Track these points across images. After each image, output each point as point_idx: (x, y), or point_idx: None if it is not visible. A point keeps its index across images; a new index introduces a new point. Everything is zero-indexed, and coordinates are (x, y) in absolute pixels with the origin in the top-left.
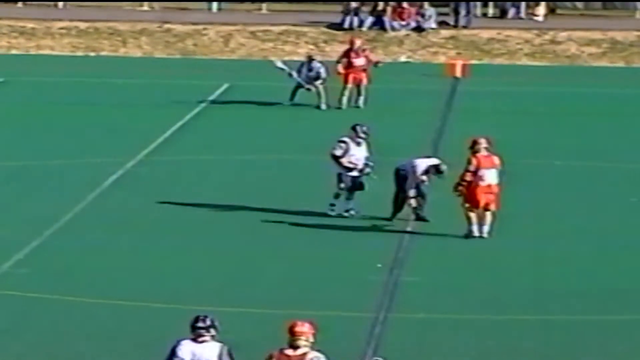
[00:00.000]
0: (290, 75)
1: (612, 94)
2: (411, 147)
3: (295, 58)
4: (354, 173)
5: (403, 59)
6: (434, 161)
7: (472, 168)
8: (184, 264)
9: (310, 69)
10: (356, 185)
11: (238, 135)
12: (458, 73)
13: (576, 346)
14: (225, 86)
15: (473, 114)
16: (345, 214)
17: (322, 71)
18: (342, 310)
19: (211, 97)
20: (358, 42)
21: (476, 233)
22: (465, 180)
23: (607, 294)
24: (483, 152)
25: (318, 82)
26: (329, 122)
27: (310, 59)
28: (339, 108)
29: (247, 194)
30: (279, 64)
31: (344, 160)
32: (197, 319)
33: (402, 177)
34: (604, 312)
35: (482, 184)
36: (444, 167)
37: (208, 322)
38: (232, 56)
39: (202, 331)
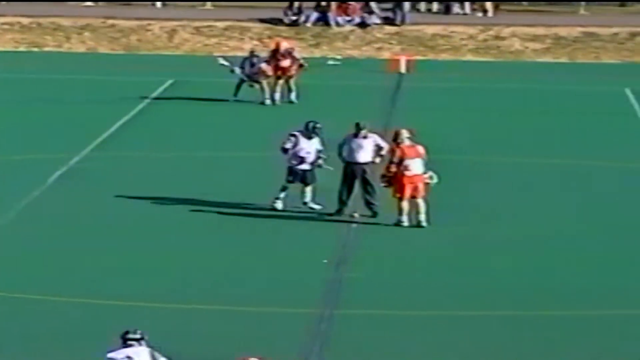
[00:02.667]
0: (232, 71)
1: (555, 90)
2: None
3: (240, 54)
4: (305, 166)
5: (331, 62)
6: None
7: (395, 159)
8: (130, 261)
9: (252, 64)
10: (306, 178)
11: (183, 131)
12: (402, 69)
13: (524, 341)
14: (169, 82)
15: (418, 110)
16: (304, 206)
17: (264, 66)
18: (287, 307)
19: (156, 93)
20: (284, 45)
21: (406, 223)
22: (390, 171)
23: (550, 289)
24: (406, 143)
25: (261, 78)
26: (274, 118)
27: (252, 54)
28: (273, 104)
29: (191, 189)
30: (221, 61)
31: (292, 153)
32: (127, 332)
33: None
34: (554, 307)
35: (408, 174)
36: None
37: (138, 335)
38: (176, 52)
39: (133, 342)
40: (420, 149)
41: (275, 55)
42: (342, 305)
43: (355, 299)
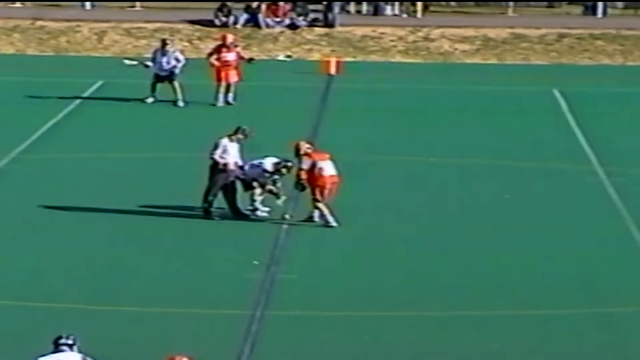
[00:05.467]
0: (146, 66)
1: (484, 91)
2: (286, 144)
3: None
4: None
5: (281, 57)
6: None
7: (305, 166)
8: (57, 262)
9: (164, 54)
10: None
11: (112, 133)
12: (332, 70)
13: (451, 342)
14: (99, 83)
15: (347, 111)
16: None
17: (179, 56)
18: (219, 308)
19: (85, 95)
20: (230, 38)
21: (335, 223)
22: (301, 179)
23: (481, 289)
24: (309, 151)
25: (179, 66)
26: (204, 119)
27: (164, 44)
28: (214, 105)
29: (122, 191)
30: (127, 62)
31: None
32: (59, 337)
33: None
34: (478, 307)
35: (326, 174)
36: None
37: (70, 341)
38: (105, 53)
39: (65, 347)
40: (326, 153)
41: (220, 48)
42: (273, 307)
43: (286, 300)
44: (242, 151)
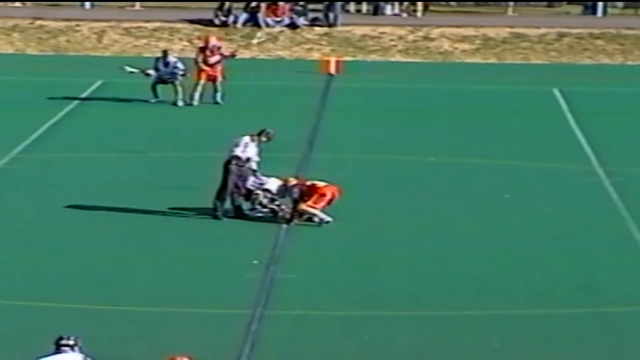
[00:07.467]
0: (147, 74)
1: (484, 90)
2: (287, 145)
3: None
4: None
5: (255, 40)
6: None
7: (296, 195)
8: (58, 262)
9: (166, 64)
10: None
11: (112, 133)
12: (332, 70)
13: (451, 342)
14: (99, 83)
15: (347, 111)
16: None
17: (180, 65)
18: (218, 308)
19: (85, 94)
20: (212, 41)
21: (329, 218)
22: (296, 211)
23: (481, 289)
24: (295, 181)
25: (179, 74)
26: (204, 119)
27: (165, 54)
28: (190, 105)
29: (122, 191)
30: (128, 69)
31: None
32: (61, 338)
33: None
34: (478, 307)
35: (320, 185)
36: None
37: (72, 342)
38: (105, 53)
39: (66, 348)
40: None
41: (203, 51)
42: (272, 306)
43: (286, 300)
44: (260, 154)
